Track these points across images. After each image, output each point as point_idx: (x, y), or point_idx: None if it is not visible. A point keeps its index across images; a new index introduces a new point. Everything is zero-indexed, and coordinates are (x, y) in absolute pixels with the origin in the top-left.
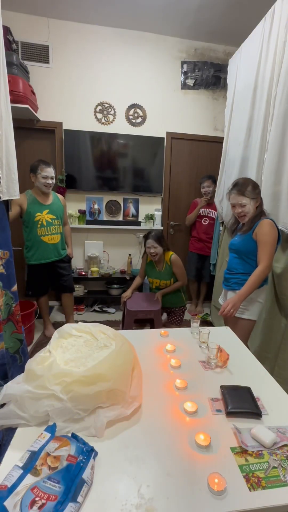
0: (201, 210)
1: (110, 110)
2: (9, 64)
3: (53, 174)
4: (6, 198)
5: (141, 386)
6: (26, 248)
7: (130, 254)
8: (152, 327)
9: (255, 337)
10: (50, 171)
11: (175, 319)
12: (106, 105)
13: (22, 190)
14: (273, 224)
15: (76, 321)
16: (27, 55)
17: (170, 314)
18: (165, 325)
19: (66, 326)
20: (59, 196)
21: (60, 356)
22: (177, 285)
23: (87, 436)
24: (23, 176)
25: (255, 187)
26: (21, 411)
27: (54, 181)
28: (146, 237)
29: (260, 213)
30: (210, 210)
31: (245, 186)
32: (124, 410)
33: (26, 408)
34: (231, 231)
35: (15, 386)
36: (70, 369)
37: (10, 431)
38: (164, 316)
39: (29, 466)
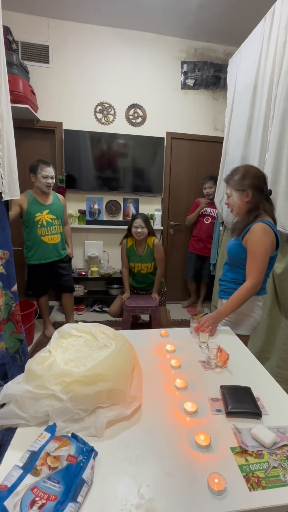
0: (203, 209)
1: (110, 110)
2: (9, 64)
3: (53, 174)
4: (8, 198)
5: (141, 386)
6: (26, 248)
7: None
8: (150, 325)
9: (255, 337)
10: (50, 171)
11: (160, 302)
12: (106, 105)
13: (22, 190)
14: (267, 229)
15: (76, 321)
16: (27, 55)
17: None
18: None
19: (66, 326)
20: (59, 196)
21: (60, 356)
22: (159, 275)
23: (87, 436)
24: (23, 176)
25: (245, 177)
26: (21, 411)
27: (54, 180)
28: (133, 218)
29: (253, 213)
30: (212, 209)
31: (233, 174)
32: (124, 410)
33: (26, 408)
34: (231, 231)
35: (15, 386)
36: (70, 369)
37: (10, 431)
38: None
39: (29, 466)
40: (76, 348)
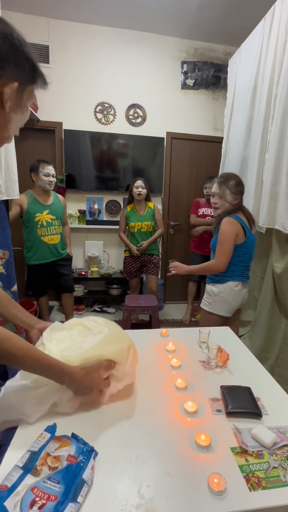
0: (203, 209)
1: (110, 110)
2: None
3: (54, 172)
4: (5, 198)
5: (135, 365)
6: (26, 248)
7: None
8: (150, 325)
9: (255, 337)
10: (51, 169)
11: (153, 268)
12: (106, 105)
13: (22, 190)
14: (232, 221)
15: None
16: None
17: (147, 265)
18: (146, 277)
19: (57, 323)
20: (60, 196)
21: (55, 348)
22: (159, 232)
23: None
24: (23, 176)
25: (238, 184)
26: (21, 406)
27: (55, 179)
28: (134, 180)
29: (233, 213)
30: (212, 209)
31: (229, 179)
32: (116, 384)
33: (26, 403)
34: (213, 230)
35: (14, 383)
36: (67, 357)
37: (10, 431)
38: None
39: (29, 466)
40: (70, 339)
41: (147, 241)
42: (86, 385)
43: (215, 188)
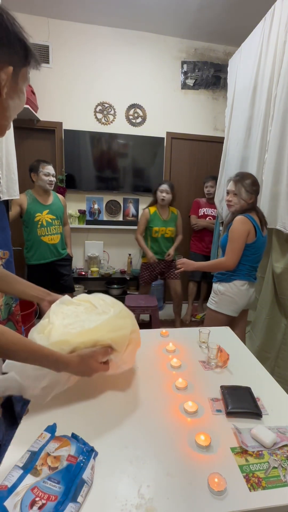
0: (204, 210)
1: (110, 110)
2: None
3: (54, 172)
4: (6, 198)
5: (135, 353)
6: (26, 248)
7: (130, 254)
8: (150, 325)
9: (255, 337)
10: (51, 169)
11: (173, 273)
12: (106, 105)
13: (21, 190)
14: (244, 220)
15: None
16: None
17: (169, 270)
18: (169, 283)
19: (66, 296)
20: (60, 196)
21: (60, 322)
22: (180, 238)
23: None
24: (23, 176)
25: (254, 184)
26: (22, 379)
27: (55, 179)
28: (159, 184)
29: (247, 212)
30: (213, 209)
31: (245, 178)
32: (112, 371)
33: (28, 374)
34: (224, 227)
35: None
36: (67, 337)
37: (10, 431)
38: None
39: (29, 466)
40: (75, 315)
41: (172, 249)
42: (82, 371)
43: (230, 186)
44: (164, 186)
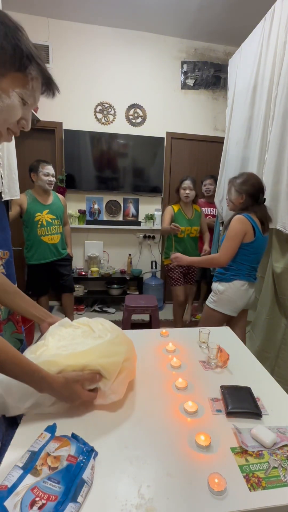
0: (204, 209)
1: (110, 110)
2: None
3: (54, 172)
4: (8, 198)
5: (126, 382)
6: (26, 248)
7: (130, 254)
8: (150, 325)
9: (255, 337)
10: (50, 169)
11: (192, 278)
12: (106, 105)
13: (22, 190)
14: (242, 219)
15: None
16: None
17: (190, 273)
18: (185, 290)
19: (66, 319)
20: (60, 196)
21: (54, 343)
22: (208, 236)
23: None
24: (23, 176)
25: (244, 183)
26: (6, 396)
27: (54, 179)
28: (182, 180)
29: (242, 212)
30: (212, 209)
31: (238, 177)
32: (101, 400)
33: (13, 392)
34: (224, 228)
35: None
36: (55, 359)
37: (10, 431)
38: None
39: (29, 466)
40: (71, 337)
41: (206, 244)
42: (66, 395)
43: (228, 185)
44: (187, 182)
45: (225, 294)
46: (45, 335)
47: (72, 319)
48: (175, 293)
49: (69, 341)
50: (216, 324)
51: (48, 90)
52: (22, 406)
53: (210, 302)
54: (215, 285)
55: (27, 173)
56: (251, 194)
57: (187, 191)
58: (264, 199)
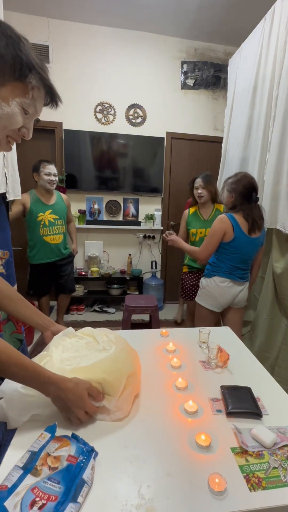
0: None
1: (110, 110)
2: None
3: (55, 171)
4: (12, 198)
5: (131, 399)
6: (28, 248)
7: (130, 254)
8: (150, 325)
9: (255, 337)
10: (52, 168)
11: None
12: (106, 105)
13: (23, 190)
14: (223, 218)
15: (76, 321)
16: None
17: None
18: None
19: (70, 329)
20: (63, 195)
21: (58, 355)
22: None
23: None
24: (24, 176)
25: (235, 183)
26: (8, 408)
27: (56, 178)
28: (193, 179)
29: (231, 210)
30: None
31: (231, 177)
32: (105, 416)
33: (13, 406)
34: None
35: (9, 383)
36: (59, 370)
37: (10, 431)
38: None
39: (29, 466)
40: (75, 349)
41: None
42: (72, 399)
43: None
44: (198, 181)
45: (206, 288)
46: (49, 345)
47: (62, 320)
48: (188, 306)
49: (73, 353)
50: (205, 319)
51: (52, 102)
52: (21, 420)
53: (197, 296)
54: (201, 280)
55: (28, 173)
56: (241, 193)
57: (199, 191)
58: (257, 198)
